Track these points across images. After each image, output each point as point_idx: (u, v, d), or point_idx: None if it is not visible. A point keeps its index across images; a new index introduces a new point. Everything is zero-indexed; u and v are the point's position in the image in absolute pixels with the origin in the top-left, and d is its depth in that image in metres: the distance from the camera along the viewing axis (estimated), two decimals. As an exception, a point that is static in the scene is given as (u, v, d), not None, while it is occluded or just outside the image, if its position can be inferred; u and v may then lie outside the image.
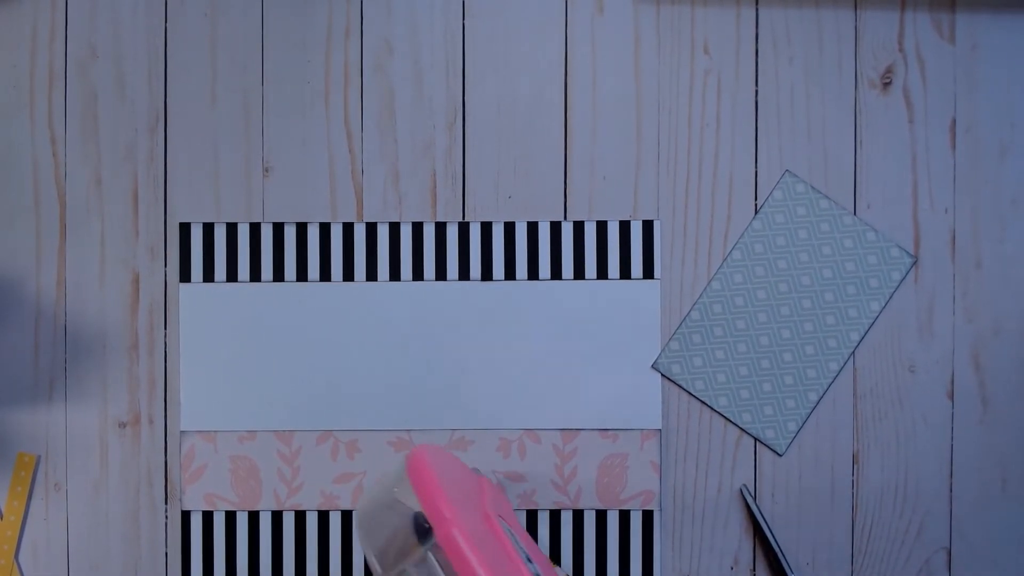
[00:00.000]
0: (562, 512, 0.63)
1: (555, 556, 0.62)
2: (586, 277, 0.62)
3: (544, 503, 0.62)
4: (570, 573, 0.62)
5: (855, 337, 0.62)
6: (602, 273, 0.62)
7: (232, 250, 0.63)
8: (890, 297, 0.62)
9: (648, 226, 0.62)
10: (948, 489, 0.62)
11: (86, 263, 0.63)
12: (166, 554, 0.62)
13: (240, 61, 0.63)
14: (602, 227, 0.62)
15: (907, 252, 0.62)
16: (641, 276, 0.62)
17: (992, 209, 0.62)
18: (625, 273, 0.62)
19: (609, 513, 0.62)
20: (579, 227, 0.62)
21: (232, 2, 0.63)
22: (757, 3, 0.63)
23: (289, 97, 0.63)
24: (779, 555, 0.61)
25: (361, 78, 0.63)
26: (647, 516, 0.62)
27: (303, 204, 0.63)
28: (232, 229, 0.63)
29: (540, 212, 0.63)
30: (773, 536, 0.61)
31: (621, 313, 0.62)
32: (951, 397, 0.62)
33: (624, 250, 0.62)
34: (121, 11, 0.63)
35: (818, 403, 0.62)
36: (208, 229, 0.63)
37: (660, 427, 0.62)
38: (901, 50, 0.62)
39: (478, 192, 0.63)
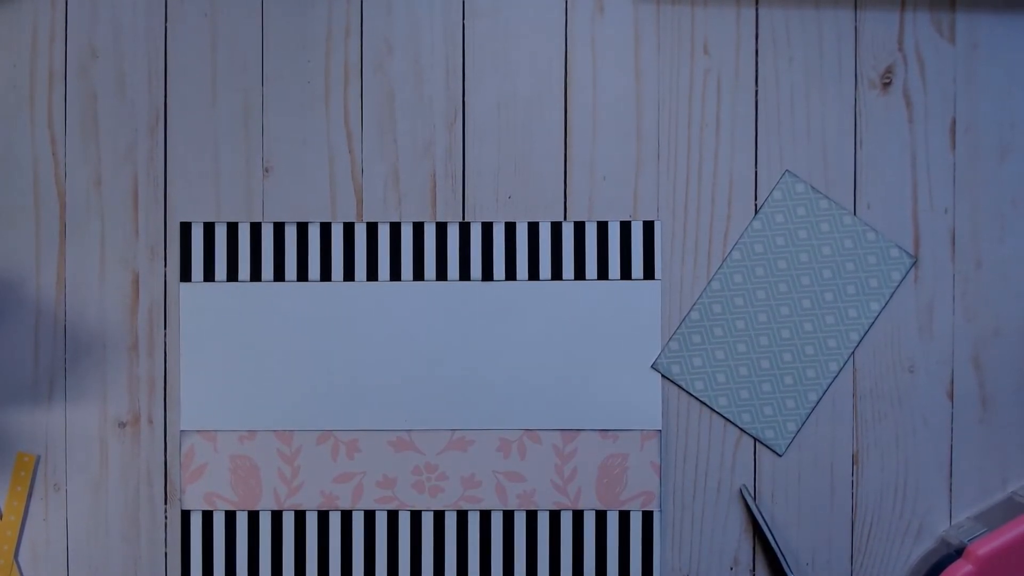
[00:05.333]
0: (562, 513, 0.62)
1: (555, 557, 0.62)
2: (587, 278, 0.62)
3: (544, 504, 0.62)
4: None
5: (855, 337, 0.62)
6: (602, 274, 0.62)
7: (232, 250, 0.63)
8: (890, 297, 0.62)
9: (648, 227, 0.62)
10: (948, 489, 0.62)
11: (86, 263, 0.63)
12: (166, 554, 0.62)
13: (240, 61, 0.63)
14: (602, 228, 0.62)
15: (907, 252, 0.62)
16: (642, 277, 0.62)
17: (992, 209, 0.62)
18: (625, 274, 0.62)
19: (609, 514, 0.62)
20: (580, 227, 0.62)
21: (232, 2, 0.63)
22: (757, 3, 0.63)
23: (289, 97, 0.63)
24: (779, 555, 0.61)
25: (361, 78, 0.63)
26: (647, 517, 0.62)
27: (303, 204, 0.63)
28: (232, 229, 0.63)
29: (540, 212, 0.63)
30: (773, 536, 0.61)
31: (621, 313, 0.62)
32: (951, 397, 0.62)
33: (624, 251, 0.62)
34: (121, 11, 0.63)
35: (818, 403, 0.62)
36: (208, 229, 0.63)
37: (660, 427, 0.62)
38: (901, 50, 0.62)
39: (478, 192, 0.63)
